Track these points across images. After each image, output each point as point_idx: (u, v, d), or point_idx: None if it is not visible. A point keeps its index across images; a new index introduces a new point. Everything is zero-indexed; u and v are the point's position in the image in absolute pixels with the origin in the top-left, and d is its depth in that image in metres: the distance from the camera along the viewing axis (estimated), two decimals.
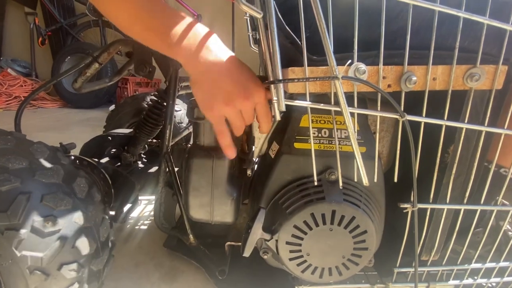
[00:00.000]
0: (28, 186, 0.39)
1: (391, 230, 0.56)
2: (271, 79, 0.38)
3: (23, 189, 0.39)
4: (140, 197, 0.87)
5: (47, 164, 0.43)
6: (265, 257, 0.51)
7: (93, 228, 0.45)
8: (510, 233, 0.61)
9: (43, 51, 3.30)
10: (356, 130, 0.48)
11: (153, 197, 0.75)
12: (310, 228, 0.45)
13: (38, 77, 3.30)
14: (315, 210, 0.44)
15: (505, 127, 0.44)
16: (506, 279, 0.58)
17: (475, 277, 0.57)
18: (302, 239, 0.45)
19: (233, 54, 0.40)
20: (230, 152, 0.44)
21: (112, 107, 2.81)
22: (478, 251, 0.54)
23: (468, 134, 0.45)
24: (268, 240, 0.47)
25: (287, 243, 0.46)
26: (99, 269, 0.47)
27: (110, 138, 0.83)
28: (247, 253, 0.46)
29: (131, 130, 0.87)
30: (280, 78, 0.36)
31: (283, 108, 0.38)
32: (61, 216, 0.41)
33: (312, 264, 0.47)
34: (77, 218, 0.43)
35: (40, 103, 2.91)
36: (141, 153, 0.88)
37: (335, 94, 0.39)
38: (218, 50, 0.39)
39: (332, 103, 0.40)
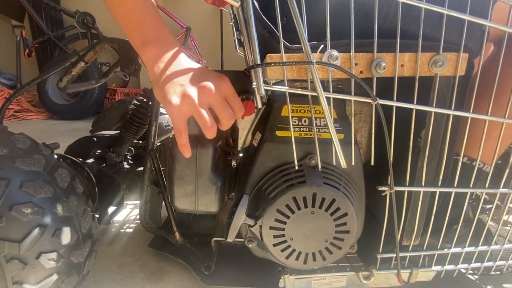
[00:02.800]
0: (7, 173, 0.39)
1: (372, 219, 0.58)
2: (250, 65, 0.40)
3: (2, 175, 0.38)
4: (126, 202, 0.86)
5: (28, 153, 0.43)
6: (250, 246, 0.51)
7: (74, 218, 0.45)
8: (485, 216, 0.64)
9: (29, 64, 3.27)
10: (333, 118, 0.50)
11: (138, 202, 0.74)
12: (293, 212, 0.46)
13: None
14: (297, 194, 0.45)
15: (471, 111, 0.47)
16: (486, 264, 0.60)
17: (456, 263, 0.59)
18: (285, 223, 0.46)
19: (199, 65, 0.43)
20: (186, 151, 0.43)
21: None
22: (456, 239, 0.56)
23: (438, 119, 0.47)
24: (252, 226, 0.47)
25: (271, 228, 0.46)
26: (80, 262, 0.46)
27: (95, 139, 0.83)
28: (230, 238, 0.46)
29: (117, 132, 0.87)
30: (259, 62, 0.38)
31: (262, 93, 0.40)
32: (41, 204, 0.40)
33: (296, 249, 0.48)
34: (58, 207, 0.42)
35: (24, 115, 2.85)
36: (127, 154, 0.87)
37: (311, 83, 0.41)
38: (184, 61, 0.42)
39: (309, 88, 0.42)
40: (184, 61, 0.42)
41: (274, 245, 0.48)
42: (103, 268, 0.70)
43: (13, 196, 0.38)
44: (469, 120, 0.47)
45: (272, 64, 0.39)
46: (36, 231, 0.39)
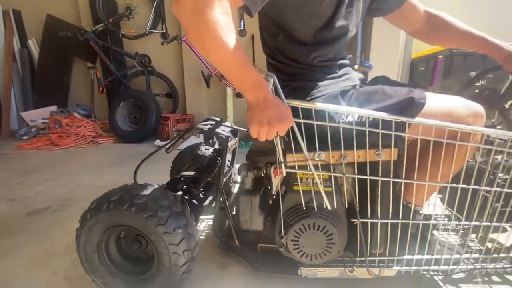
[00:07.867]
0: (170, 212, 0.86)
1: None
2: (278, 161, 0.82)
3: (170, 214, 0.85)
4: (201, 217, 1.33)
5: (173, 202, 0.90)
6: (281, 249, 0.93)
7: (193, 235, 0.91)
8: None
9: (100, 97, 4.06)
10: (327, 179, 0.90)
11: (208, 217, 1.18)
12: (303, 232, 0.87)
13: (96, 118, 4.03)
14: (305, 222, 0.86)
15: (403, 178, 0.84)
16: (432, 267, 0.94)
17: (411, 265, 0.94)
18: (299, 238, 0.87)
19: (274, 96, 0.72)
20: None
21: (157, 141, 3.39)
22: (407, 248, 0.91)
23: (384, 181, 0.85)
24: (282, 238, 0.89)
25: (291, 240, 0.88)
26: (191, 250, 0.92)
27: (182, 179, 1.31)
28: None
29: (194, 172, 1.35)
30: (282, 160, 0.81)
31: (284, 174, 0.82)
32: (181, 227, 0.87)
33: (306, 252, 0.88)
34: (189, 228, 0.88)
35: (99, 140, 3.58)
36: (202, 190, 1.34)
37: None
38: (271, 97, 0.70)
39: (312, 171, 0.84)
40: (270, 102, 0.69)
41: (293, 249, 0.89)
42: None
43: (172, 224, 0.85)
44: (403, 184, 0.85)
45: (288, 163, 0.81)
46: (181, 236, 0.85)
